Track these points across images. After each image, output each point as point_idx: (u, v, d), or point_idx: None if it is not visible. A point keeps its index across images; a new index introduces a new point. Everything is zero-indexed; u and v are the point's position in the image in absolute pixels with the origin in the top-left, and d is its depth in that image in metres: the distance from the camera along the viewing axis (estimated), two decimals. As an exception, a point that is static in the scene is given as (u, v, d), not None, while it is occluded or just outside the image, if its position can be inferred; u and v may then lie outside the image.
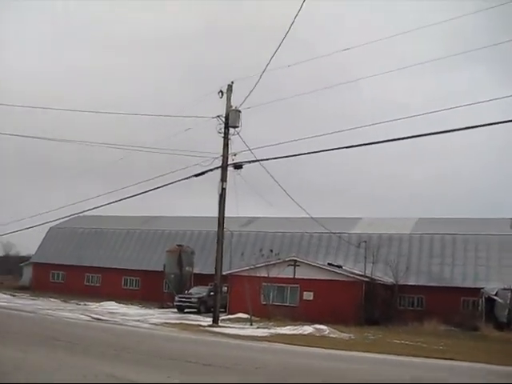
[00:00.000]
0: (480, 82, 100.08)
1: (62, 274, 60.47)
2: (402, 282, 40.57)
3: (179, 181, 28.71)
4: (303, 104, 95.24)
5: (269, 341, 21.66)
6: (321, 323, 27.90)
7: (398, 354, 18.40)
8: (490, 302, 36.90)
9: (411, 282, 42.06)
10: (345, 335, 25.68)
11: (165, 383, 10.27)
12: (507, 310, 35.72)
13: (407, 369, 15.20)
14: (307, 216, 35.33)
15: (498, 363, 17.17)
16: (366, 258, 42.08)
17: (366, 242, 44.20)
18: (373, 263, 40.94)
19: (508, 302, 35.95)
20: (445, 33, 69.69)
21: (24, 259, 72.85)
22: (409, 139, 22.98)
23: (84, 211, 34.83)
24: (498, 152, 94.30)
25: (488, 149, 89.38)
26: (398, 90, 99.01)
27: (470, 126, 20.72)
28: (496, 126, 20.29)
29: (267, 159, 27.24)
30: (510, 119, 19.73)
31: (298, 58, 46.99)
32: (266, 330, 26.43)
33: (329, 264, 41.47)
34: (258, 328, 27.85)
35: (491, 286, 38.44)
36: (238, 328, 27.31)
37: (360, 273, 40.09)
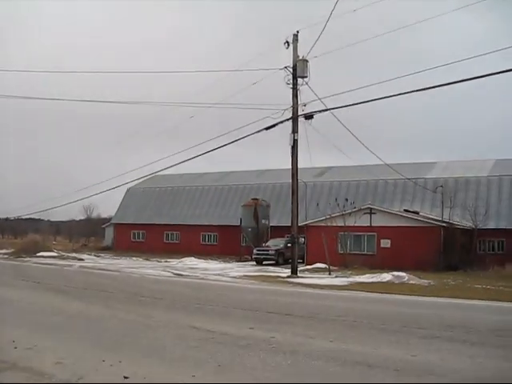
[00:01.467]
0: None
1: (142, 233, 62.14)
2: (481, 226, 39.69)
3: (251, 135, 28.75)
4: (373, 49, 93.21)
5: (348, 289, 21.72)
6: (399, 270, 27.71)
7: (480, 299, 18.11)
8: None
9: (491, 226, 41.09)
10: (424, 281, 25.44)
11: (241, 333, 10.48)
12: None
13: (492, 314, 15.02)
14: (381, 163, 34.90)
15: None
16: (443, 202, 41.36)
17: (442, 186, 43.39)
18: (450, 208, 40.17)
19: None
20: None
21: (106, 221, 75.30)
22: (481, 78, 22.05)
23: (160, 170, 35.39)
24: None
25: None
26: (473, 27, 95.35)
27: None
28: None
29: (338, 107, 26.85)
30: None
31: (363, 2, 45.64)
32: (344, 279, 26.47)
33: (405, 210, 40.95)
34: (336, 277, 27.91)
35: None
36: (316, 278, 27.43)
37: (437, 218, 39.43)
